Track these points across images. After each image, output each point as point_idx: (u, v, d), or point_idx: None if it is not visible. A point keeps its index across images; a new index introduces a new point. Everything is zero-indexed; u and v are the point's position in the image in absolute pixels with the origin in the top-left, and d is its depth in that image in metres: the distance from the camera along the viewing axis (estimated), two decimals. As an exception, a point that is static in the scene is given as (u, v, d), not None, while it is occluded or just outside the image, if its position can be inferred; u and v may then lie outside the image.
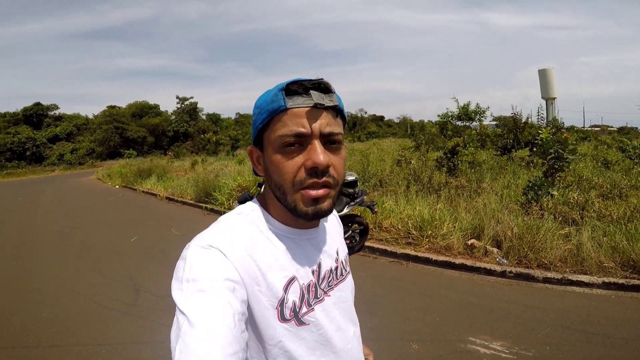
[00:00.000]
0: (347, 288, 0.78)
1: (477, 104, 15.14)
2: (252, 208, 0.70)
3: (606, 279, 3.52)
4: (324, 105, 0.61)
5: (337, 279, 0.75)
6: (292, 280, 0.65)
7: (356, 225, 4.49)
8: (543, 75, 44.04)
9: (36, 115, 41.10)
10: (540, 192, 5.43)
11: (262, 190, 4.38)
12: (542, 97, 43.16)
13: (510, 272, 3.86)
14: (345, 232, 4.26)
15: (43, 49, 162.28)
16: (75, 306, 3.53)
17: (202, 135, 29.06)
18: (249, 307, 0.59)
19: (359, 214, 4.90)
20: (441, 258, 4.30)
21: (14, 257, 5.36)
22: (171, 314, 0.51)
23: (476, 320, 2.99)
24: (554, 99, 42.74)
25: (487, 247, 4.31)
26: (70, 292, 3.89)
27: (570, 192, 5.77)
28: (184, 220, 7.38)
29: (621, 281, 3.47)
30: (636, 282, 3.44)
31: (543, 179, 5.81)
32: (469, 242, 4.44)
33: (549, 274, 3.71)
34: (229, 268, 0.58)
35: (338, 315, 0.72)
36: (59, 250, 5.62)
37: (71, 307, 3.52)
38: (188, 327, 0.49)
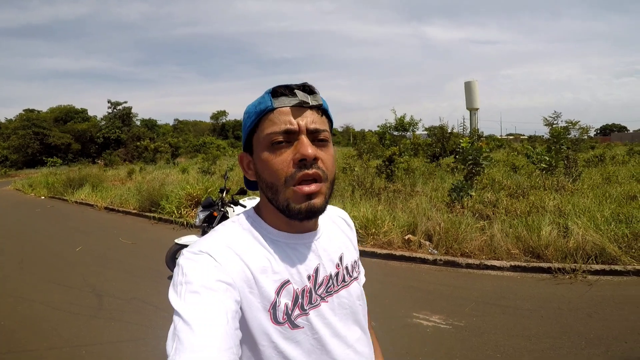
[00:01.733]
0: (350, 294, 0.76)
1: (412, 116, 16.84)
2: (247, 215, 0.72)
3: (513, 263, 4.33)
4: (308, 103, 0.65)
5: (338, 285, 0.74)
6: (285, 283, 0.65)
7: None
8: (468, 87, 47.09)
9: (-64, 119, 35.04)
10: (461, 193, 6.38)
11: (223, 195, 4.66)
12: (467, 108, 46.12)
13: (440, 260, 4.60)
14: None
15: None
16: (36, 313, 3.50)
17: (138, 143, 27.37)
18: (242, 310, 0.61)
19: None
20: (384, 251, 4.94)
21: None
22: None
23: (417, 300, 3.61)
24: (477, 109, 46.03)
25: (421, 240, 5.04)
26: (24, 300, 3.81)
27: (485, 193, 6.85)
28: (131, 230, 7.23)
29: (524, 264, 4.29)
30: (535, 264, 4.29)
31: (464, 182, 6.78)
32: (406, 237, 5.15)
33: (470, 261, 4.49)
34: (219, 270, 0.59)
35: (336, 321, 0.71)
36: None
37: (31, 314, 3.48)
38: (182, 325, 0.52)
